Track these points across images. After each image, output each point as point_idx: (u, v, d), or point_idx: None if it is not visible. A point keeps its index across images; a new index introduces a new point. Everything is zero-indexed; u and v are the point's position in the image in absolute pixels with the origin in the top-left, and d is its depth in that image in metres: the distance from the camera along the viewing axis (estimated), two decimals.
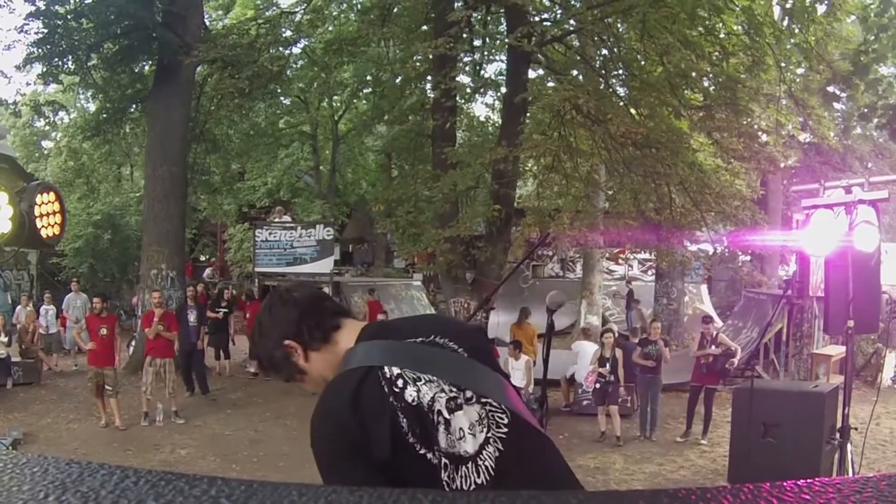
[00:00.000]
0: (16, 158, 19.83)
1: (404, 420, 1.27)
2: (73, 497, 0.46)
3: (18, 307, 12.79)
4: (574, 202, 9.84)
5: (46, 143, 22.41)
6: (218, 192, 17.12)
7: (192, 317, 10.36)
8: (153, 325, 8.81)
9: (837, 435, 4.79)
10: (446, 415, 1.30)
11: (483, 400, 1.33)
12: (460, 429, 1.30)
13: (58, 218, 4.31)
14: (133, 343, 12.38)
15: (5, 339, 10.77)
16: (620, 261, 19.19)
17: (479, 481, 1.28)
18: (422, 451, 1.27)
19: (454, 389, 1.32)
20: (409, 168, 14.26)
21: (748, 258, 15.25)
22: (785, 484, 0.50)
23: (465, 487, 1.27)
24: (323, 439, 1.30)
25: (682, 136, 9.90)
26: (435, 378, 1.32)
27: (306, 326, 1.44)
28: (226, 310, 12.04)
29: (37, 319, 12.08)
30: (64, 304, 13.14)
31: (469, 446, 1.29)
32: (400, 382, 1.30)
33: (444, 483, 1.27)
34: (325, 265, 12.79)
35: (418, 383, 1.31)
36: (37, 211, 4.12)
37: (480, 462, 1.29)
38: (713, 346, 8.33)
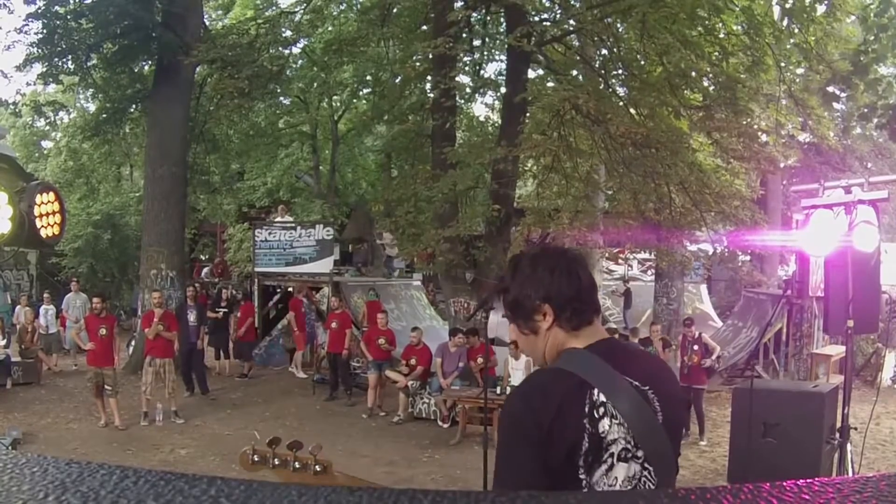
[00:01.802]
0: (16, 158, 19.90)
1: (586, 444, 1.34)
2: (73, 497, 0.46)
3: (18, 307, 12.80)
4: (574, 202, 9.83)
5: (46, 143, 22.37)
6: (218, 191, 17.12)
7: (191, 317, 10.37)
8: (153, 324, 8.81)
9: (837, 435, 4.78)
10: (614, 460, 1.36)
11: (647, 465, 1.39)
12: (616, 477, 1.36)
13: (57, 218, 4.31)
14: (133, 343, 12.38)
15: (3, 341, 10.76)
16: (620, 261, 19.18)
17: None
18: (581, 475, 1.34)
19: (632, 443, 1.38)
20: (408, 168, 14.25)
21: (748, 258, 15.25)
22: (785, 484, 0.50)
23: None
24: (515, 420, 1.40)
25: (681, 136, 9.90)
26: (626, 425, 1.37)
27: (571, 307, 1.48)
28: (226, 309, 12.05)
29: (35, 319, 12.08)
30: (63, 304, 13.15)
31: None
32: (601, 410, 1.37)
33: None
34: (325, 265, 12.78)
35: (613, 420, 1.37)
36: (36, 211, 4.12)
37: None
38: (695, 347, 8.34)
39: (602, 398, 1.37)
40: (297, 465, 1.68)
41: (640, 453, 1.38)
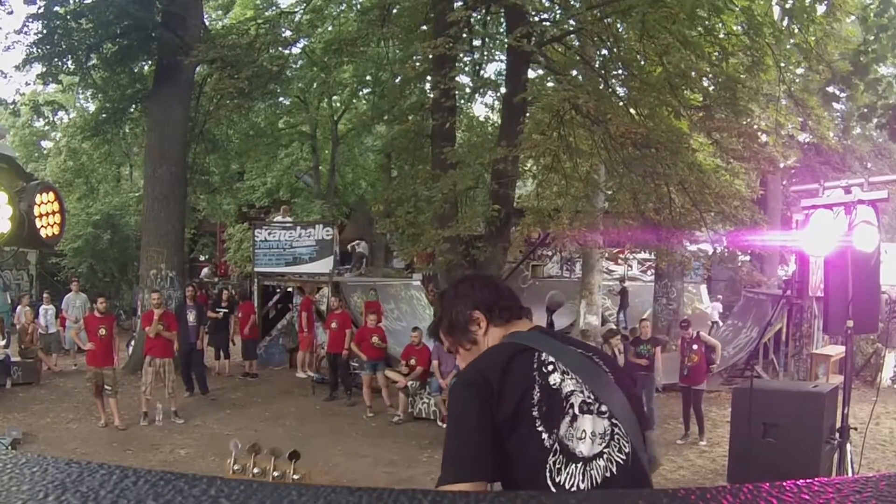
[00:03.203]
0: (15, 158, 19.89)
1: (537, 393, 1.41)
2: (73, 497, 0.46)
3: (19, 307, 12.79)
4: (573, 202, 9.83)
5: (46, 143, 22.39)
6: (217, 191, 17.14)
7: (191, 317, 10.37)
8: (153, 323, 8.81)
9: (837, 435, 4.79)
10: (576, 411, 1.41)
11: (614, 421, 1.43)
12: (583, 430, 1.40)
13: (57, 218, 4.30)
14: (133, 343, 12.38)
15: (3, 341, 10.76)
16: (620, 261, 19.20)
17: (583, 486, 1.37)
18: (539, 429, 1.38)
19: (592, 397, 1.44)
20: (408, 168, 14.24)
21: (748, 258, 15.26)
22: (785, 484, 0.50)
23: (567, 485, 1.36)
24: (464, 385, 1.48)
25: (681, 136, 9.89)
26: (580, 381, 1.45)
27: (498, 305, 1.65)
28: (226, 310, 12.05)
29: (35, 319, 12.07)
30: (63, 304, 13.14)
31: (585, 449, 1.39)
32: (550, 367, 1.45)
33: (548, 466, 1.36)
34: (325, 265, 12.79)
35: (565, 376, 1.44)
36: (36, 211, 4.11)
37: (589, 470, 1.38)
38: (694, 347, 8.32)
39: (550, 359, 1.46)
40: (276, 474, 1.72)
41: (604, 408, 1.42)
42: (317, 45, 13.62)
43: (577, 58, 11.54)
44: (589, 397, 1.42)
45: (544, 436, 1.37)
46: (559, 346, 1.51)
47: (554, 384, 1.41)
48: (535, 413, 1.38)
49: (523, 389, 1.39)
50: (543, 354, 1.46)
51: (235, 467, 1.74)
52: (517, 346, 1.50)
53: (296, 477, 1.72)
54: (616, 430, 1.41)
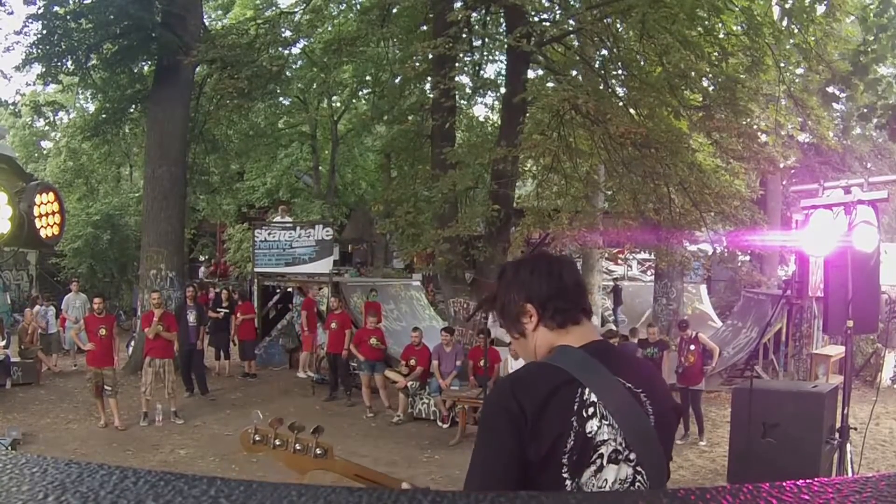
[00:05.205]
0: (15, 158, 19.90)
1: (571, 441, 1.32)
2: (73, 497, 0.46)
3: (37, 307, 12.78)
4: (573, 202, 9.84)
5: (46, 144, 22.38)
6: (217, 192, 17.13)
7: (191, 317, 10.37)
8: (153, 324, 8.80)
9: (837, 435, 4.79)
10: (604, 462, 1.34)
11: (639, 469, 1.37)
12: (605, 479, 1.34)
13: (57, 218, 4.30)
14: (132, 343, 12.38)
15: (3, 342, 10.75)
16: (619, 261, 19.20)
17: None
18: (564, 475, 1.31)
19: (623, 444, 1.36)
20: (408, 168, 14.26)
21: (747, 258, 15.26)
22: (784, 484, 0.50)
23: None
24: (497, 408, 1.37)
25: (681, 137, 9.90)
26: (617, 427, 1.36)
27: (553, 305, 1.48)
28: (226, 310, 12.05)
29: (35, 320, 12.07)
30: (63, 304, 13.14)
31: None
32: (591, 410, 1.35)
33: None
34: (325, 265, 12.78)
35: (603, 421, 1.35)
36: (36, 211, 4.11)
37: None
38: (692, 347, 8.32)
39: (593, 398, 1.35)
40: (298, 447, 1.68)
41: (632, 456, 1.36)
42: (316, 46, 13.63)
43: (577, 58, 11.55)
44: (621, 444, 1.36)
45: (567, 482, 1.32)
46: (607, 380, 1.39)
47: (590, 432, 1.34)
48: (564, 461, 1.32)
49: (558, 434, 1.32)
50: (587, 392, 1.35)
51: (256, 437, 1.70)
52: (562, 375, 1.37)
53: (319, 451, 1.67)
54: (638, 477, 1.37)
